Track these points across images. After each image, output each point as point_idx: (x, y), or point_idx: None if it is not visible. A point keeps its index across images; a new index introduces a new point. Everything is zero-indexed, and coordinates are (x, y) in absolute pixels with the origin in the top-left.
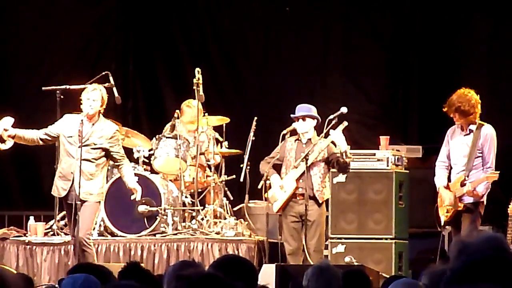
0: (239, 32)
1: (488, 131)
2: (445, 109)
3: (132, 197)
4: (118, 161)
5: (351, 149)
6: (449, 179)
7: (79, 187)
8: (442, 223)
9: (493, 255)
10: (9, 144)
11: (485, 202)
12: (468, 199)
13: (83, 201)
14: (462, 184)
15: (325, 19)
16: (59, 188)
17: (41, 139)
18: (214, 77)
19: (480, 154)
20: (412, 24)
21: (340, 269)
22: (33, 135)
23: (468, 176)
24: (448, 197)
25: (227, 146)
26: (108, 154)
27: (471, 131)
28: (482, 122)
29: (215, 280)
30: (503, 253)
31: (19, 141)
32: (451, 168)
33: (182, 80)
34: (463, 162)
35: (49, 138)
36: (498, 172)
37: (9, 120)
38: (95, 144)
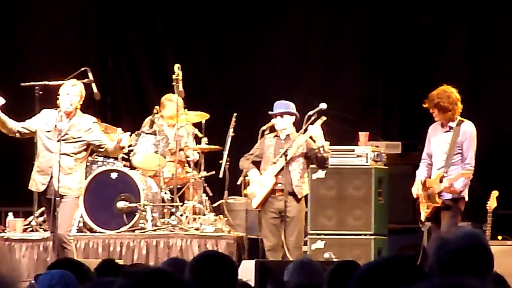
0: (220, 28)
1: (468, 128)
2: (425, 105)
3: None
4: (101, 147)
5: (330, 145)
6: (430, 176)
7: (58, 182)
8: (422, 219)
9: (472, 249)
10: None
11: (466, 198)
12: (447, 195)
13: (62, 196)
14: (441, 180)
15: (305, 15)
16: (37, 183)
17: (18, 132)
18: (194, 73)
19: (460, 151)
20: (392, 20)
21: (324, 265)
22: (12, 124)
23: (447, 173)
24: (414, 190)
25: (206, 142)
26: (87, 147)
27: (451, 127)
28: (462, 119)
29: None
30: (481, 248)
31: (0, 127)
32: (432, 164)
33: (162, 75)
34: (443, 158)
35: (27, 132)
36: (473, 169)
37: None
38: (73, 138)
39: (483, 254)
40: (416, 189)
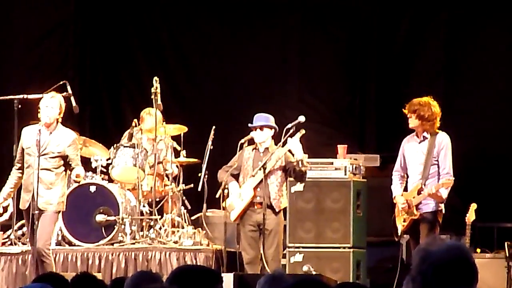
0: (197, 41)
1: (443, 138)
2: (405, 109)
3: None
4: (71, 166)
5: (308, 158)
6: (406, 188)
7: (37, 196)
8: (399, 232)
9: (456, 262)
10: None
11: (443, 211)
12: (426, 208)
13: (42, 211)
14: (419, 192)
15: (282, 27)
16: (23, 201)
17: (20, 172)
18: (172, 86)
19: (436, 162)
20: (369, 32)
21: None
22: (15, 180)
23: (425, 185)
24: (401, 202)
25: (185, 155)
26: (66, 163)
27: (425, 138)
28: (437, 130)
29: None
30: (465, 260)
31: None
32: (407, 176)
33: (140, 89)
34: (419, 170)
35: (22, 165)
36: (453, 178)
37: None
38: (53, 153)
39: (467, 267)
40: (401, 203)
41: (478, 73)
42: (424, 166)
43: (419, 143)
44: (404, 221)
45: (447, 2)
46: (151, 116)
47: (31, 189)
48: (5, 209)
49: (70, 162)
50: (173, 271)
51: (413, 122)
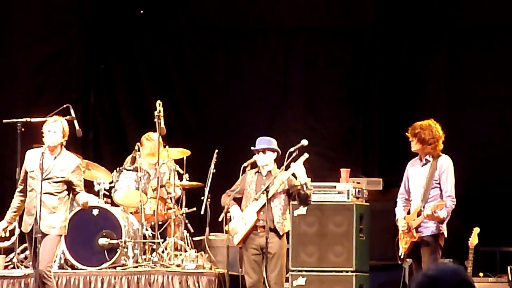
0: (201, 65)
1: (445, 161)
2: (407, 133)
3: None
4: (76, 191)
5: (312, 181)
6: (410, 211)
7: (40, 220)
8: (401, 255)
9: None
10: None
11: (445, 234)
12: (426, 232)
13: (45, 234)
14: (419, 215)
15: (285, 51)
16: (25, 224)
17: (23, 196)
18: (175, 110)
19: (437, 185)
20: (372, 56)
21: None
22: (18, 204)
23: (424, 207)
24: (402, 224)
25: (188, 179)
26: (69, 187)
27: (428, 161)
28: (440, 153)
29: None
30: (469, 285)
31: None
32: (411, 199)
33: (144, 112)
34: (420, 193)
35: (25, 188)
36: (455, 200)
37: (2, 224)
38: (57, 177)
39: None
40: (402, 226)
41: (481, 98)
42: (425, 189)
43: (422, 166)
44: (406, 243)
45: (448, 26)
46: (149, 141)
47: (34, 212)
48: (12, 232)
49: (73, 188)
50: None
51: (415, 146)
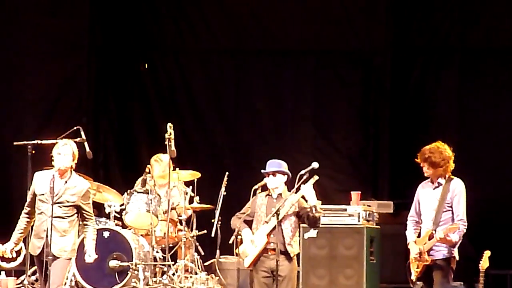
0: (210, 87)
1: (458, 185)
2: (417, 159)
3: (87, 260)
4: (85, 220)
5: (322, 204)
6: (420, 234)
7: (51, 244)
8: (413, 279)
9: None
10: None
11: (457, 258)
12: (438, 255)
13: (55, 257)
14: (430, 238)
15: (295, 74)
16: (34, 247)
17: (29, 217)
18: (185, 132)
19: (449, 208)
20: (382, 79)
21: None
22: (25, 225)
23: (435, 231)
24: (415, 251)
25: (198, 201)
26: (79, 211)
27: (440, 184)
28: (452, 176)
29: None
30: None
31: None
32: (422, 222)
33: (154, 134)
34: (432, 216)
35: (32, 209)
36: (466, 224)
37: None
38: (68, 202)
39: None
40: (415, 253)
41: (492, 120)
42: (436, 212)
43: (434, 189)
44: (418, 267)
45: (459, 48)
46: (159, 162)
47: (44, 235)
48: (18, 253)
49: (82, 213)
50: None
51: (427, 171)
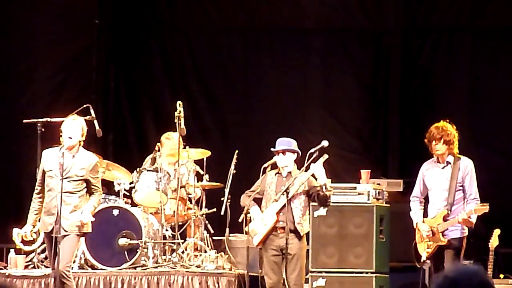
0: (220, 66)
1: (468, 163)
2: (426, 139)
3: (78, 217)
4: (92, 194)
5: (332, 182)
6: (425, 214)
7: (62, 219)
8: (424, 259)
9: None
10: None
11: (467, 237)
12: (453, 234)
13: (66, 234)
14: (445, 219)
15: (305, 53)
16: (46, 224)
17: (41, 197)
18: (195, 110)
19: (461, 188)
20: (392, 58)
21: None
22: (38, 205)
23: (451, 210)
24: (426, 230)
25: (208, 179)
26: (87, 186)
27: (448, 163)
28: (459, 155)
29: None
30: (489, 286)
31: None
32: (425, 202)
33: (163, 113)
34: (443, 196)
35: (43, 188)
36: (488, 204)
37: (27, 228)
38: (76, 176)
39: None
40: (426, 231)
41: (503, 101)
42: (449, 192)
43: (442, 168)
44: (428, 247)
45: (470, 27)
46: (169, 140)
47: (54, 212)
48: (37, 233)
49: (90, 187)
50: None
51: (441, 148)
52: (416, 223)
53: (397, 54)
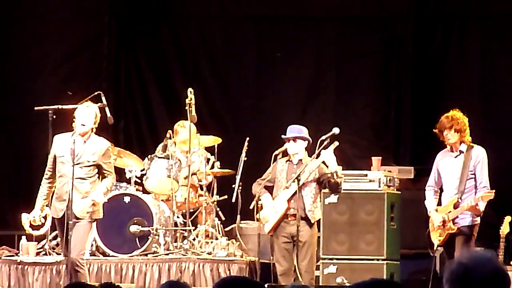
0: (232, 52)
1: (480, 152)
2: (436, 130)
3: (92, 197)
4: (105, 174)
5: (342, 169)
6: (440, 203)
7: (73, 205)
8: (435, 247)
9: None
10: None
11: (479, 225)
12: (463, 222)
13: (78, 220)
14: (455, 207)
15: (318, 40)
16: (57, 210)
17: (51, 182)
18: (206, 97)
19: (473, 176)
20: (404, 46)
21: None
22: (47, 190)
23: (461, 199)
24: (439, 220)
25: (219, 167)
26: (100, 171)
27: (461, 152)
28: (472, 144)
29: None
30: (503, 272)
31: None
32: (441, 191)
33: (175, 100)
34: (455, 184)
35: (53, 173)
36: (494, 191)
37: (36, 213)
38: (88, 161)
39: (506, 279)
40: (438, 221)
41: None
42: (460, 180)
43: (455, 157)
44: (440, 235)
45: (482, 14)
46: (184, 129)
47: (66, 198)
48: (45, 218)
49: (103, 172)
50: (217, 282)
51: (453, 137)
52: (429, 212)
53: (409, 42)
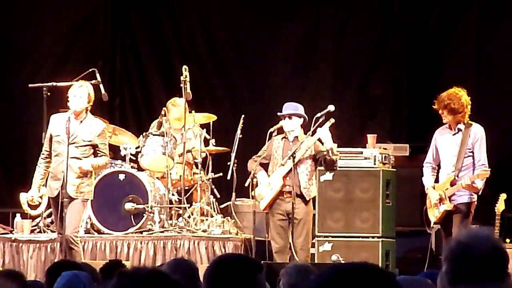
0: (228, 29)
1: (478, 130)
2: (435, 106)
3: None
4: (99, 155)
5: (338, 147)
6: (437, 180)
7: (67, 185)
8: (432, 224)
9: (495, 252)
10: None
11: (476, 203)
12: (460, 199)
13: (72, 199)
14: (452, 184)
15: (314, 17)
16: (52, 189)
17: (47, 161)
18: (202, 75)
19: (471, 154)
20: (401, 23)
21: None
22: (44, 170)
23: (458, 176)
24: (436, 197)
25: (214, 144)
26: (95, 151)
27: (459, 130)
28: (471, 122)
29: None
30: (502, 249)
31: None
32: (438, 168)
33: (170, 77)
34: (452, 162)
35: (50, 153)
36: (489, 169)
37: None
38: (83, 141)
39: (505, 256)
40: (435, 199)
41: (510, 64)
42: (458, 158)
43: (453, 135)
44: (438, 213)
45: None
46: (175, 107)
47: (61, 177)
48: (42, 197)
49: (98, 152)
50: (215, 259)
51: (447, 117)
52: (427, 189)
53: (406, 19)
